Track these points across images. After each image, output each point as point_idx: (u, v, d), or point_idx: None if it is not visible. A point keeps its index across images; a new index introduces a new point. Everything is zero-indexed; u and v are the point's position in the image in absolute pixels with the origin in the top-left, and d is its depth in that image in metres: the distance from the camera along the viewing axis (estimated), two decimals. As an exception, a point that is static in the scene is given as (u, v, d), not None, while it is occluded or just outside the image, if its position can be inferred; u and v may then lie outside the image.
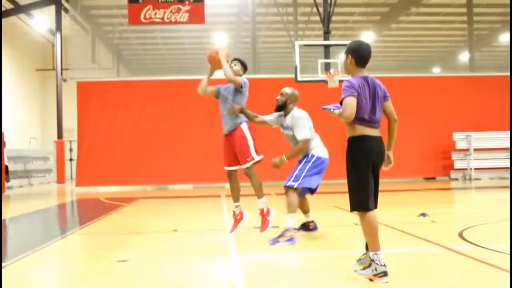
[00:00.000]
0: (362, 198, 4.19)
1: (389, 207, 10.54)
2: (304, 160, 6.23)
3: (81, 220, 10.27)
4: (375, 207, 4.28)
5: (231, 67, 6.55)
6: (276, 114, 6.50)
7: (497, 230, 6.95)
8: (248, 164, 6.43)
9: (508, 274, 4.21)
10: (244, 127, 6.50)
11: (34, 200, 14.81)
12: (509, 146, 19.64)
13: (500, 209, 9.62)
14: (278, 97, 6.39)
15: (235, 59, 6.75)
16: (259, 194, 6.47)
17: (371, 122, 4.24)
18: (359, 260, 4.47)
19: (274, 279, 4.37)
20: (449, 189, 16.34)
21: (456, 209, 11.05)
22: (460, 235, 6.27)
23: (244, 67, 6.79)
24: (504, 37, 28.76)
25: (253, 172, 6.48)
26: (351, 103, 4.13)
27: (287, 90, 6.37)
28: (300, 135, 6.17)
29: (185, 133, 18.55)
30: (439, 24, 27.45)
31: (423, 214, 8.16)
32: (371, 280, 4.14)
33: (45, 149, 27.70)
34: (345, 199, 4.49)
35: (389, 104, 4.39)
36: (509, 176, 19.87)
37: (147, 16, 18.39)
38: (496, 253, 5.08)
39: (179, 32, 27.65)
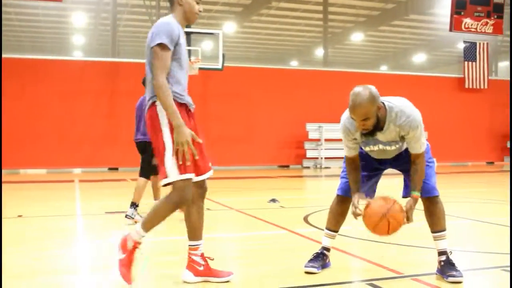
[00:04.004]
0: None
1: (242, 193, 10.92)
2: None
3: None
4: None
5: None
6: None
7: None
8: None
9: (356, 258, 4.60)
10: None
11: None
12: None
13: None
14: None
15: None
16: None
17: None
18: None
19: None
20: (301, 176, 17.22)
21: (305, 195, 11.71)
22: (305, 219, 6.69)
23: None
24: (355, 37, 30.70)
25: None
26: None
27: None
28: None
29: (38, 115, 17.55)
30: (297, 20, 28.58)
31: (273, 200, 8.58)
32: None
33: None
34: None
35: None
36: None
37: (-2, -12, 17.10)
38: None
39: (36, 9, 26.01)
